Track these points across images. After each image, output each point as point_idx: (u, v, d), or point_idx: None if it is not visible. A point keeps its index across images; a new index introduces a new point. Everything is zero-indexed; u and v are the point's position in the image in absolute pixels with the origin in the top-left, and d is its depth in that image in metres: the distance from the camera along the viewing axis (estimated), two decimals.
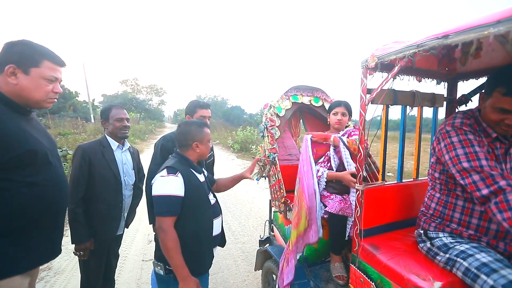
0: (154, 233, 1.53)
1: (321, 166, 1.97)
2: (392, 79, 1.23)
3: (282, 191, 2.09)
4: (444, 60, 1.34)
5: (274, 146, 2.21)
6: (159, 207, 1.26)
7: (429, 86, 1.63)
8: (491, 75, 1.11)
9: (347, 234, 1.75)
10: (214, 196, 1.59)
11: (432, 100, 1.57)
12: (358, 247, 1.41)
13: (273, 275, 2.14)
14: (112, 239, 1.90)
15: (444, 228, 1.25)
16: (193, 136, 1.41)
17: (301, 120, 2.80)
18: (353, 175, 1.75)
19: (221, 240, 1.62)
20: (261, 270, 2.39)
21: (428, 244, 1.26)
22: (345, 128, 2.22)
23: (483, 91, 1.19)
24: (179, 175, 1.31)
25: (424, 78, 1.58)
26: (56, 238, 1.17)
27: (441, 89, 1.69)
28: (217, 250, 3.55)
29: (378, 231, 1.44)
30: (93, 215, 1.75)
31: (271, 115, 2.32)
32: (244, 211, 5.06)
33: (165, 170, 1.32)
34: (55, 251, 1.18)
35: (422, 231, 1.33)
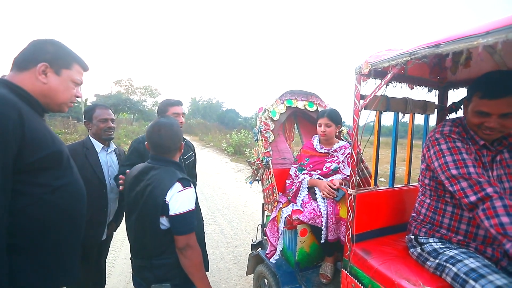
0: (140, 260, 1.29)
1: (309, 171, 2.00)
2: (385, 85, 1.25)
3: (275, 195, 2.09)
4: (435, 68, 1.38)
5: (267, 150, 2.20)
6: (186, 225, 1.17)
7: (421, 93, 1.67)
8: (472, 82, 1.15)
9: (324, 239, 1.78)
10: None
11: (424, 107, 1.60)
12: (350, 252, 1.41)
13: (265, 280, 2.13)
14: (98, 244, 1.85)
15: (434, 233, 1.27)
16: (179, 138, 1.32)
17: (295, 125, 2.81)
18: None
19: None
20: (253, 275, 2.37)
21: (419, 250, 1.27)
22: (340, 139, 2.27)
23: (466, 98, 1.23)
24: (191, 185, 1.23)
25: (416, 86, 1.61)
26: (75, 257, 1.03)
27: (433, 97, 1.73)
28: (209, 254, 3.50)
29: (370, 236, 1.45)
30: None
31: (266, 119, 2.32)
32: (237, 215, 5.02)
33: (178, 183, 1.18)
34: (73, 275, 1.02)
35: (412, 237, 1.34)
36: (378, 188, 1.49)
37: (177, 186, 1.18)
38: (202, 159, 11.55)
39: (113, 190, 1.88)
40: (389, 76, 1.17)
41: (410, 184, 1.69)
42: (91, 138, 1.83)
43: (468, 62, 1.23)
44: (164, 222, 1.18)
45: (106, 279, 2.50)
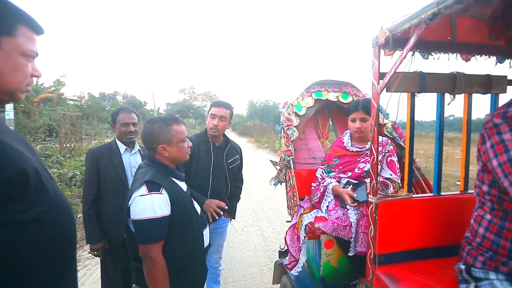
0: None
1: (337, 173, 1.68)
2: (411, 56, 0.93)
3: (296, 199, 1.86)
4: (497, 26, 0.94)
5: (289, 148, 1.98)
6: (144, 234, 1.07)
7: (486, 66, 1.21)
8: None
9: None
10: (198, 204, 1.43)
11: (486, 84, 1.14)
12: (372, 276, 1.10)
13: None
14: (123, 241, 1.95)
15: (498, 266, 0.86)
16: (156, 137, 1.17)
17: (329, 120, 2.49)
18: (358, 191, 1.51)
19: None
20: (279, 285, 2.17)
21: (472, 287, 0.89)
22: (381, 135, 1.88)
23: None
24: (163, 191, 1.11)
25: (474, 55, 1.17)
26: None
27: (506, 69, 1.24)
28: (245, 257, 3.41)
29: (401, 259, 1.11)
30: (101, 217, 1.81)
31: (289, 114, 2.10)
32: (281, 218, 4.82)
33: (144, 187, 1.09)
34: None
35: (463, 267, 0.95)
36: (413, 196, 1.13)
37: (142, 189, 1.09)
38: (255, 159, 11.74)
39: None
40: (411, 41, 0.85)
41: (468, 192, 1.24)
42: (116, 140, 1.95)
43: None
44: (131, 224, 1.12)
45: None
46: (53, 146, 8.65)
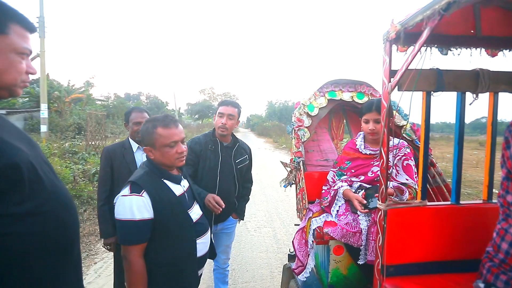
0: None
1: (349, 177, 1.61)
2: (425, 51, 0.85)
3: (304, 202, 1.80)
4: None
5: (299, 150, 1.92)
6: (123, 234, 1.08)
7: None
8: None
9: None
10: (201, 208, 1.35)
11: None
12: None
13: None
14: None
15: None
16: (142, 138, 1.18)
17: (344, 121, 2.40)
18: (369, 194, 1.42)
19: (209, 253, 1.38)
20: None
21: None
22: (399, 137, 1.77)
23: None
24: (145, 194, 1.08)
25: (502, 50, 1.05)
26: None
27: None
28: (256, 258, 3.39)
29: (413, 271, 1.02)
30: (113, 213, 1.88)
31: (300, 115, 2.04)
32: (295, 220, 4.73)
33: (128, 187, 1.10)
34: None
35: (483, 285, 0.86)
36: (428, 204, 1.04)
37: (126, 189, 1.10)
38: (273, 160, 11.68)
39: None
40: (424, 34, 0.78)
41: (492, 201, 1.12)
42: (129, 138, 2.01)
43: None
44: None
45: None
46: (80, 144, 9.17)
